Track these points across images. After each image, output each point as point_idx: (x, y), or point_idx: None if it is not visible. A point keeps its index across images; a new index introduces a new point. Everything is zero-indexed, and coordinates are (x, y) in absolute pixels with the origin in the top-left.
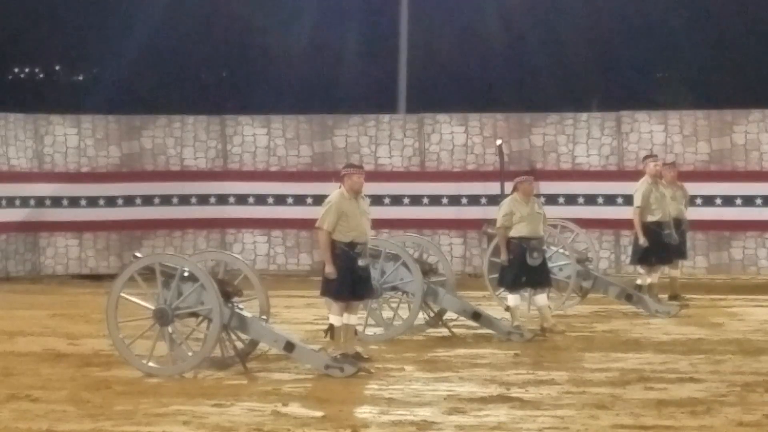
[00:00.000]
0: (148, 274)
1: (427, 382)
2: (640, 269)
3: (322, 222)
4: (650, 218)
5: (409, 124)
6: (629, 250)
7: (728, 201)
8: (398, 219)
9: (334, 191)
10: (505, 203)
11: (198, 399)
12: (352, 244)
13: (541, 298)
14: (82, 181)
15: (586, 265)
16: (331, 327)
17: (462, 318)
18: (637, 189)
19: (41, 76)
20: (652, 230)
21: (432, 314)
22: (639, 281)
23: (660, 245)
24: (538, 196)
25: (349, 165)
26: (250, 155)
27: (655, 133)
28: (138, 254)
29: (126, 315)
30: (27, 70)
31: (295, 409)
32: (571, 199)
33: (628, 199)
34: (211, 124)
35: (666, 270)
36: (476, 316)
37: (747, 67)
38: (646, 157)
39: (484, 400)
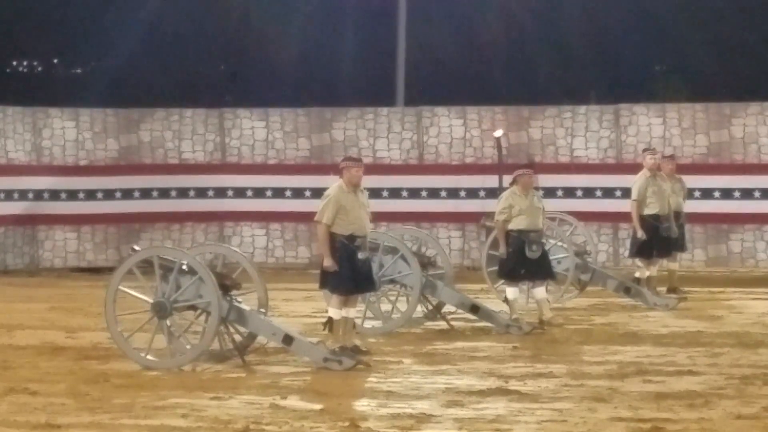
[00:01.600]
0: (146, 267)
1: (425, 375)
2: (639, 262)
3: (321, 215)
4: (647, 211)
5: (408, 117)
6: (628, 243)
7: (726, 194)
8: (396, 212)
9: (333, 184)
10: (504, 196)
11: (196, 392)
12: (351, 238)
13: (540, 291)
14: (80, 175)
15: (585, 258)
16: (330, 320)
17: (460, 311)
18: (635, 182)
19: (39, 69)
20: (650, 223)
21: (430, 307)
22: (638, 274)
23: (658, 238)
24: (537, 189)
25: (347, 158)
26: (248, 148)
27: (653, 126)
28: (136, 247)
29: (124, 308)
30: (25, 63)
31: (293, 402)
32: (569, 192)
33: (626, 192)
34: (209, 117)
35: (664, 263)
36: (475, 308)
37: (745, 60)
38: (644, 150)
39: (483, 393)
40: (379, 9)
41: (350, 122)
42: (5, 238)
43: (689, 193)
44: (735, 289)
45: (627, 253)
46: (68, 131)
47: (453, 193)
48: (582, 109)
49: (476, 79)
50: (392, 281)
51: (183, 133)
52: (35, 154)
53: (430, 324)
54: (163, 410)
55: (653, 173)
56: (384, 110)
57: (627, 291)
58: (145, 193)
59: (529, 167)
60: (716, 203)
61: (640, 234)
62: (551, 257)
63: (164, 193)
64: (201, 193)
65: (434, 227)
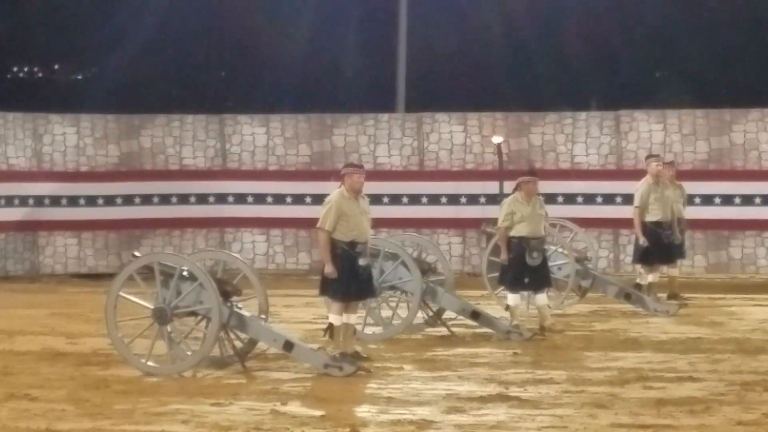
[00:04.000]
0: (147, 273)
1: (426, 381)
2: (640, 268)
3: (324, 222)
4: (649, 218)
5: (408, 123)
6: (628, 249)
7: (727, 200)
8: (397, 218)
9: (333, 191)
10: (507, 203)
11: (197, 398)
12: (352, 244)
13: (541, 298)
14: (80, 181)
15: (585, 264)
16: (331, 326)
17: (461, 317)
18: (637, 189)
19: (40, 75)
20: (652, 230)
21: (431, 313)
22: (639, 280)
23: (660, 245)
24: (538, 195)
25: (349, 164)
26: (249, 154)
27: (653, 133)
28: (137, 253)
29: (125, 314)
30: (26, 69)
31: (294, 408)
32: (569, 199)
33: (627, 199)
34: (210, 123)
35: (665, 269)
36: (475, 315)
37: (746, 67)
38: (648, 157)
39: (483, 399)
40: (379, 15)
41: (351, 128)
42: (6, 244)
43: (689, 200)
44: (735, 296)
45: (628, 259)
46: (69, 137)
47: (453, 199)
48: (582, 115)
49: (477, 86)
50: (393, 287)
51: (184, 139)
52: (36, 160)
53: (430, 330)
54: (163, 416)
55: (656, 180)
56: (384, 116)
57: (627, 297)
58: (146, 199)
59: (533, 174)
60: (717, 209)
61: (642, 241)
62: (552, 263)
63: (165, 199)
64: (202, 199)
65: (435, 233)
